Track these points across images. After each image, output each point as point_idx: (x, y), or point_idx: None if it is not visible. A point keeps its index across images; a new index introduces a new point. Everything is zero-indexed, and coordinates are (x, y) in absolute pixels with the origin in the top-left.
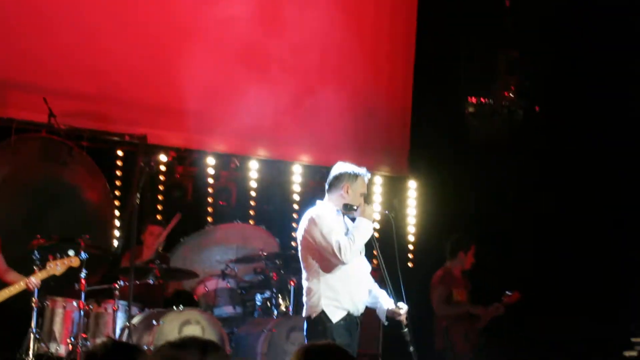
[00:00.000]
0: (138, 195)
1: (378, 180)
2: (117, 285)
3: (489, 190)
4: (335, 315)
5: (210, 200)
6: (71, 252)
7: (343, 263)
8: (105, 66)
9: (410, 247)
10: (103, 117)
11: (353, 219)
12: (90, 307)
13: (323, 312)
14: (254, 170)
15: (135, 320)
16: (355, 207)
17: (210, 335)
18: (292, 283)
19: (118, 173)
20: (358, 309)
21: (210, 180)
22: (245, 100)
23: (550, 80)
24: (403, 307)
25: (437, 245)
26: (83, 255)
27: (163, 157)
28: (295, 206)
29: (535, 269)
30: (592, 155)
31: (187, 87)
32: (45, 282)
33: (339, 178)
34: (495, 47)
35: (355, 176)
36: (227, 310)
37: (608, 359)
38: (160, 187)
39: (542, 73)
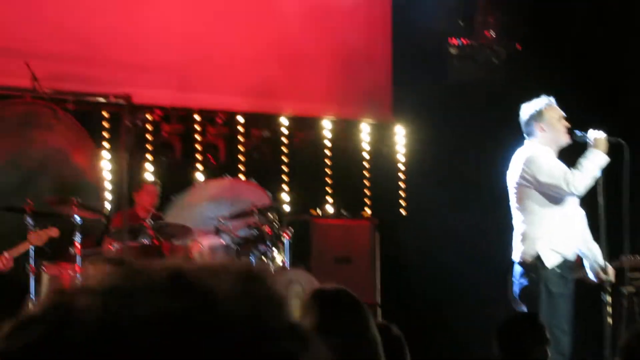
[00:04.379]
0: (127, 156)
1: (365, 128)
2: (111, 248)
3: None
4: (551, 260)
5: (199, 157)
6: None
7: (574, 194)
8: (86, 27)
9: (402, 194)
10: (86, 79)
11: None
12: None
13: (538, 256)
14: (240, 125)
15: None
16: (586, 137)
17: None
18: (286, 236)
19: (105, 135)
20: (573, 255)
21: (198, 137)
22: (228, 54)
23: (532, 16)
24: (611, 272)
25: (432, 192)
26: (77, 219)
27: (149, 117)
28: (284, 158)
29: None
30: (575, 91)
31: (168, 43)
32: (40, 249)
33: (528, 124)
34: None
35: (540, 113)
36: None
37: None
38: (148, 147)
39: (523, 9)
